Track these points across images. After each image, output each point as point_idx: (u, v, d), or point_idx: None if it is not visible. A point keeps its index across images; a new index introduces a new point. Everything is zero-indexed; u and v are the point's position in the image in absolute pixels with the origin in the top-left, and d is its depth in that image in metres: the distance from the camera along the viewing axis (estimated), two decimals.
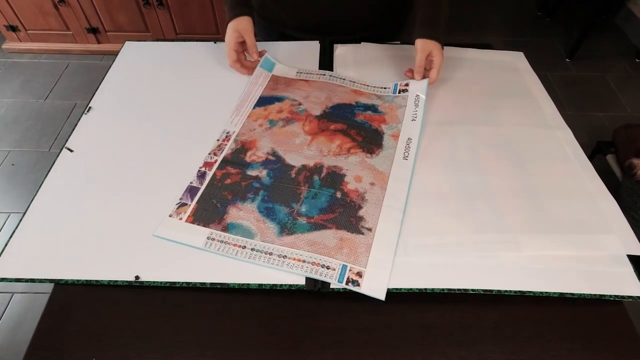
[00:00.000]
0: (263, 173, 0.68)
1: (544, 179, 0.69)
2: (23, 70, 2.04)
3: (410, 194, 0.66)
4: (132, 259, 0.58)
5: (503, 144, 0.74)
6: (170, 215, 0.63)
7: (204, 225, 0.61)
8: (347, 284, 0.55)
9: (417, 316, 0.55)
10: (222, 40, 0.85)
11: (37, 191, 0.66)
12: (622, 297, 0.55)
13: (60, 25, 1.99)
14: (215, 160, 0.70)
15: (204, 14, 1.91)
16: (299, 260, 0.57)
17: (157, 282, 0.56)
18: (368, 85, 0.83)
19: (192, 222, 0.62)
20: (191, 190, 0.66)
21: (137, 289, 0.56)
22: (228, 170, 0.68)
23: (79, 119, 0.77)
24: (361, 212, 0.62)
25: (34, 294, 1.30)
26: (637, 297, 0.55)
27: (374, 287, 0.55)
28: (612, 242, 0.61)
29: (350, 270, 0.56)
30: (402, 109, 0.77)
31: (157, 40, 0.97)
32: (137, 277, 0.56)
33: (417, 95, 0.78)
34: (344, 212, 0.62)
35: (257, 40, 0.82)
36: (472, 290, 0.55)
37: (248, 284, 0.56)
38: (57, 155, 0.71)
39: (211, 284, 0.56)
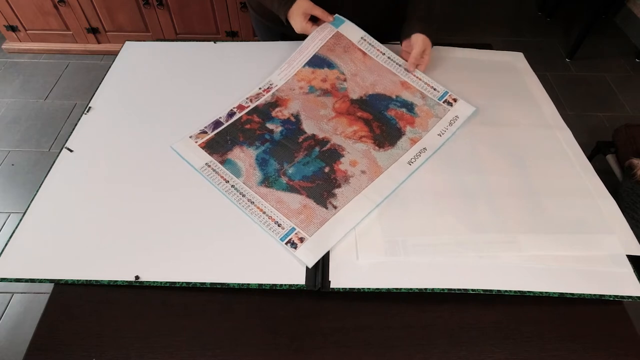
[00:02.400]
0: (278, 129, 0.74)
1: (543, 179, 0.69)
2: (23, 70, 2.03)
3: (409, 194, 0.66)
4: (132, 259, 0.58)
5: (503, 144, 0.74)
6: (190, 137, 0.73)
7: (209, 154, 0.70)
8: (287, 243, 0.59)
9: (417, 316, 0.55)
10: (222, 40, 0.85)
11: (37, 191, 0.66)
12: (622, 297, 0.56)
13: (60, 25, 1.98)
14: (248, 106, 0.78)
15: (204, 14, 1.91)
16: (261, 210, 0.63)
17: (157, 282, 0.56)
18: (420, 80, 0.82)
19: (203, 148, 0.71)
20: (216, 124, 0.75)
21: (137, 289, 0.57)
22: (253, 118, 0.76)
23: (79, 119, 0.77)
24: (336, 191, 0.65)
25: (34, 294, 1.30)
26: (637, 297, 0.55)
27: (308, 254, 0.58)
28: (612, 242, 0.61)
29: (296, 233, 0.60)
30: (435, 120, 0.76)
31: (157, 40, 0.97)
32: (137, 277, 0.56)
33: (457, 116, 0.77)
34: (321, 185, 0.66)
35: (255, 39, 0.82)
36: (472, 290, 0.55)
37: (248, 284, 0.56)
38: (57, 155, 0.71)
39: (211, 284, 0.56)
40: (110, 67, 0.88)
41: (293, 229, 0.61)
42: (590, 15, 1.96)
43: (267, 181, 0.67)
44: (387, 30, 0.93)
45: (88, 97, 0.81)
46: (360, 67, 0.83)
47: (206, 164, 0.69)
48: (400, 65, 0.84)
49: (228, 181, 0.66)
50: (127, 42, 0.95)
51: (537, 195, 0.66)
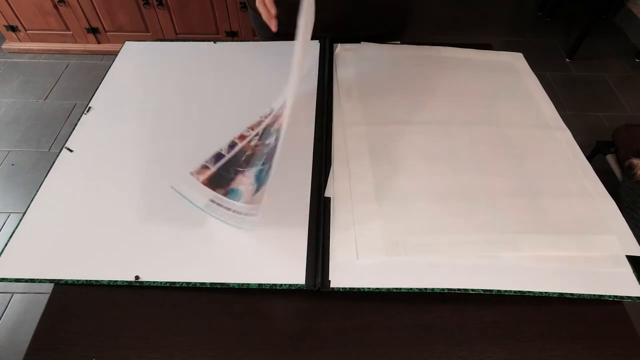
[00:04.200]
0: (272, 139, 0.71)
1: (543, 179, 0.69)
2: (23, 70, 2.04)
3: (409, 194, 0.66)
4: (132, 259, 0.58)
5: (503, 144, 0.74)
6: (191, 173, 0.68)
7: (213, 189, 0.66)
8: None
9: (417, 316, 0.55)
10: (222, 40, 0.85)
11: (37, 191, 0.66)
12: (622, 297, 0.56)
13: (60, 25, 1.99)
14: (249, 134, 0.75)
15: (204, 14, 1.92)
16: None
17: (157, 282, 0.56)
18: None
19: (206, 185, 0.66)
20: (217, 157, 0.70)
21: (137, 289, 0.57)
22: (255, 142, 0.73)
23: (79, 119, 0.77)
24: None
25: (34, 294, 1.30)
26: (637, 297, 0.55)
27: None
28: (611, 242, 0.61)
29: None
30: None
31: (157, 40, 0.97)
32: (137, 277, 0.56)
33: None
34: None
35: (255, 39, 0.81)
36: (472, 290, 0.55)
37: (248, 284, 0.56)
38: (57, 155, 0.71)
39: (211, 283, 0.56)
40: (110, 67, 0.88)
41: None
42: (590, 15, 1.97)
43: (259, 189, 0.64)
44: (382, 30, 0.91)
45: (88, 97, 0.81)
46: None
47: (210, 200, 0.64)
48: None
49: (230, 209, 0.63)
50: (127, 42, 0.95)
51: (537, 196, 0.66)
